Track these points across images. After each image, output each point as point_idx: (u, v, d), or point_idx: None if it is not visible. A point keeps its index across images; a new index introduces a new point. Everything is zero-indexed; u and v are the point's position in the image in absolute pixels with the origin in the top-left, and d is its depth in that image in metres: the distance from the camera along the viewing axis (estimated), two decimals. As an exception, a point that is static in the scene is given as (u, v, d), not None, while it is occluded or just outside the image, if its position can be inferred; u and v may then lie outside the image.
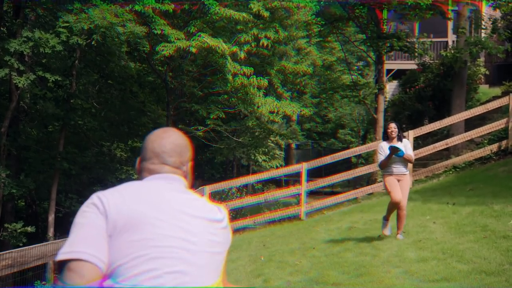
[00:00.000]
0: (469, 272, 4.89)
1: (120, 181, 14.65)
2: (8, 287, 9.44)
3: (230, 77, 13.86)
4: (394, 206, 6.57)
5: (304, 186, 11.43)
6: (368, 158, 20.43)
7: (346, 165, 22.81)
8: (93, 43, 13.48)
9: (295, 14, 18.16)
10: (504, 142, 11.43)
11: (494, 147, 11.52)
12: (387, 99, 17.78)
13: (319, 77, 25.30)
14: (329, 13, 15.41)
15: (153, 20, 13.22)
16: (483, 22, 14.04)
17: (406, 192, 6.66)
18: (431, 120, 14.04)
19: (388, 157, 6.52)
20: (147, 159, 1.62)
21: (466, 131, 12.21)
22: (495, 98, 13.54)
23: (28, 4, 14.73)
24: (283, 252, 7.49)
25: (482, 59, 16.72)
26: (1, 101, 16.41)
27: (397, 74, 17.84)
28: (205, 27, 13.92)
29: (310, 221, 10.60)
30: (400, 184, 6.61)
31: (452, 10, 14.06)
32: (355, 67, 25.62)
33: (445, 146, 11.96)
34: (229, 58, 13.54)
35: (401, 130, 7.06)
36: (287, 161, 25.36)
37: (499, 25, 13.93)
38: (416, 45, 14.69)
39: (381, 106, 14.37)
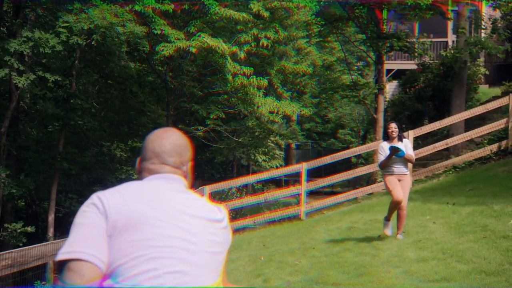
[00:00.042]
0: (469, 272, 4.89)
1: (120, 181, 14.65)
2: (8, 287, 9.44)
3: (230, 77, 13.86)
4: (395, 205, 6.55)
5: (304, 186, 11.43)
6: (368, 158, 20.43)
7: (346, 165, 22.81)
8: (93, 43, 13.48)
9: (295, 14, 18.15)
10: (504, 142, 11.43)
11: (494, 147, 11.52)
12: (387, 99, 17.78)
13: (319, 77, 25.30)
14: (329, 13, 15.41)
15: (153, 20, 13.22)
16: (483, 22, 14.04)
17: (406, 192, 6.66)
18: (431, 120, 14.04)
19: (388, 158, 6.52)
20: (147, 159, 1.62)
21: (466, 131, 12.21)
22: (495, 98, 13.54)
23: (28, 4, 14.73)
24: (283, 252, 7.49)
25: (482, 59, 16.72)
26: (1, 101, 16.41)
27: (397, 74, 17.84)
28: (205, 27, 13.93)
29: (310, 221, 10.60)
30: (401, 184, 6.61)
31: (452, 10, 14.06)
32: (355, 67, 25.61)
33: (445, 146, 11.96)
34: (229, 58, 13.54)
35: (401, 130, 7.06)
36: (287, 161, 25.37)
37: (499, 25, 13.93)
38: (416, 45, 14.69)
39: (381, 106, 14.37)
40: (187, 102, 16.07)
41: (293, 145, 28.89)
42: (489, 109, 11.96)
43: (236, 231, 10.80)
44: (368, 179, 14.12)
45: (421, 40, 15.10)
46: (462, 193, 9.22)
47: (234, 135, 16.87)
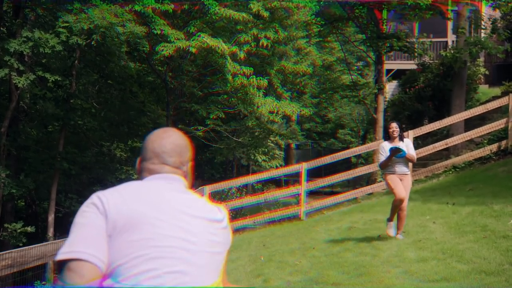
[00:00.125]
0: (469, 272, 4.89)
1: (120, 181, 14.64)
2: (8, 287, 9.44)
3: (230, 77, 13.86)
4: (398, 204, 6.53)
5: (303, 186, 11.43)
6: (368, 158, 20.45)
7: (346, 165, 22.82)
8: (93, 43, 13.48)
9: (295, 14, 18.16)
10: (503, 142, 11.43)
11: (493, 147, 11.51)
12: (387, 99, 17.79)
13: (318, 77, 25.30)
14: (329, 13, 15.42)
15: (153, 20, 13.22)
16: (482, 22, 14.04)
17: (407, 192, 6.66)
18: (431, 120, 14.04)
19: (389, 158, 6.51)
20: (147, 159, 1.62)
21: (466, 131, 12.21)
22: (494, 98, 13.54)
23: (28, 4, 14.73)
24: (283, 252, 7.49)
25: (481, 59, 16.72)
26: (1, 101, 16.41)
27: (397, 74, 17.84)
28: (205, 27, 13.93)
29: (310, 221, 10.60)
30: (402, 183, 6.61)
31: (452, 10, 14.07)
32: (355, 67, 25.61)
33: (445, 146, 11.96)
34: (229, 58, 13.54)
35: (402, 130, 7.06)
36: (287, 161, 25.38)
37: (499, 25, 13.93)
38: (416, 45, 14.69)
39: (381, 106, 14.37)
40: (187, 102, 16.07)
41: (293, 145, 28.89)
42: (489, 109, 11.97)
43: (236, 231, 10.80)
44: (368, 179, 14.12)
45: (421, 40, 15.11)
46: (462, 193, 9.22)
47: (234, 135, 16.87)
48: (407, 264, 5.57)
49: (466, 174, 11.10)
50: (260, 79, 14.44)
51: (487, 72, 16.78)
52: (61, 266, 1.36)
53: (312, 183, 12.01)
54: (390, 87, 18.45)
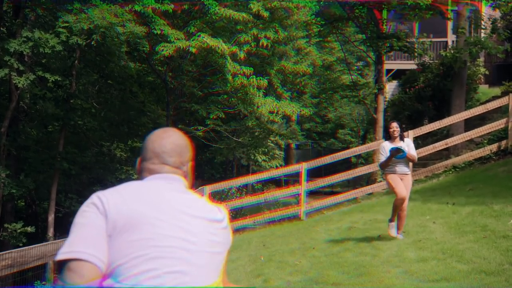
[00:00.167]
0: (469, 272, 4.89)
1: (120, 181, 14.65)
2: (8, 287, 9.44)
3: (230, 77, 13.86)
4: (399, 204, 6.52)
5: (303, 186, 11.43)
6: (368, 158, 20.45)
7: (346, 165, 22.81)
8: (92, 43, 13.48)
9: (295, 14, 18.16)
10: (503, 142, 11.43)
11: (493, 147, 11.51)
12: (387, 99, 17.79)
13: (318, 77, 25.30)
14: (329, 13, 15.42)
15: (153, 20, 13.22)
16: (482, 22, 14.04)
17: (408, 191, 6.65)
18: (431, 120, 14.03)
19: (389, 159, 6.51)
20: (148, 159, 1.62)
21: (466, 131, 12.21)
22: (494, 98, 13.54)
23: (28, 4, 14.73)
24: (283, 252, 7.49)
25: (481, 59, 16.71)
26: (1, 101, 16.41)
27: (397, 74, 17.84)
28: (205, 27, 13.93)
29: (310, 221, 10.60)
30: (402, 183, 6.61)
31: (451, 10, 14.06)
32: (355, 67, 25.60)
33: (445, 146, 11.96)
34: (228, 58, 13.54)
35: (402, 129, 7.05)
36: (287, 161, 25.37)
37: (499, 25, 13.93)
38: (416, 45, 14.69)
39: (381, 106, 14.37)
40: (187, 102, 16.07)
41: (293, 145, 28.89)
42: (489, 109, 11.96)
43: (236, 231, 10.80)
44: (368, 179, 14.12)
45: (421, 40, 15.10)
46: (462, 193, 9.22)
47: (234, 135, 16.87)
48: (407, 264, 5.57)
49: (466, 174, 11.10)
50: (260, 79, 14.44)
51: (487, 72, 16.78)
52: (61, 266, 1.36)
53: (312, 183, 12.01)
54: (390, 87, 18.45)
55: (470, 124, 12.77)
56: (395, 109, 16.95)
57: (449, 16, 14.21)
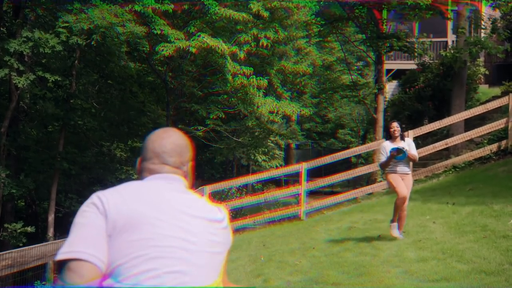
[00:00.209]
0: (469, 272, 4.89)
1: (120, 181, 14.65)
2: (8, 287, 9.44)
3: (230, 77, 13.86)
4: (400, 203, 6.52)
5: (303, 186, 11.43)
6: (368, 158, 20.45)
7: (346, 165, 22.80)
8: (92, 43, 13.49)
9: (295, 14, 18.15)
10: (503, 142, 11.43)
11: (493, 147, 11.51)
12: (387, 99, 17.79)
13: (318, 77, 25.30)
14: (329, 13, 15.42)
15: (153, 20, 13.22)
16: (482, 22, 14.04)
17: (408, 191, 6.66)
18: (431, 120, 14.03)
19: (389, 160, 6.51)
20: (148, 159, 1.62)
21: (465, 131, 12.20)
22: (494, 98, 13.54)
23: (28, 4, 14.74)
24: (283, 252, 7.49)
25: (481, 59, 16.71)
26: (1, 101, 16.42)
27: (397, 74, 17.84)
28: (205, 27, 13.93)
29: (310, 221, 10.60)
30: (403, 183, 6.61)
31: (451, 10, 14.06)
32: (355, 67, 25.60)
33: (445, 146, 11.95)
34: (228, 58, 13.54)
35: (403, 129, 7.05)
36: (287, 161, 25.36)
37: (499, 25, 13.93)
38: (416, 45, 14.68)
39: (381, 106, 14.37)
40: (187, 102, 16.07)
41: (293, 145, 28.88)
42: (489, 109, 11.96)
43: (236, 231, 10.79)
44: (368, 179, 14.12)
45: (421, 40, 15.10)
46: (462, 193, 9.22)
47: (234, 135, 16.87)
48: (407, 264, 5.57)
49: (466, 174, 11.10)
50: (260, 79, 14.44)
51: (487, 72, 16.78)
52: (61, 266, 1.36)
53: (312, 183, 12.00)
54: (390, 87, 18.45)
55: (470, 124, 12.77)
56: (395, 109, 16.95)
57: (449, 16, 14.20)
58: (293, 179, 19.00)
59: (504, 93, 13.61)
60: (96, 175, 18.26)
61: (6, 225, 14.15)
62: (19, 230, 13.90)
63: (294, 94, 24.16)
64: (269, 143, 20.50)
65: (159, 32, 13.24)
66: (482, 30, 14.42)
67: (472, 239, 6.06)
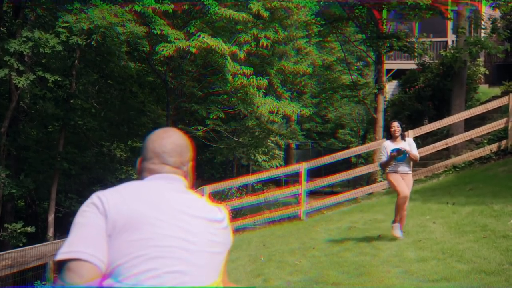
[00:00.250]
0: (469, 272, 4.89)
1: (120, 181, 14.64)
2: (8, 287, 9.44)
3: (230, 77, 13.86)
4: (402, 203, 6.52)
5: (303, 186, 11.43)
6: (368, 158, 20.45)
7: (346, 165, 22.80)
8: (92, 43, 13.49)
9: (295, 14, 18.16)
10: (503, 142, 11.42)
11: (493, 147, 11.51)
12: (387, 99, 17.79)
13: (318, 77, 25.31)
14: (329, 13, 15.42)
15: (153, 20, 13.23)
16: (482, 22, 14.04)
17: (409, 191, 6.65)
18: (431, 120, 14.03)
19: (389, 160, 6.50)
20: (148, 159, 1.62)
21: (465, 131, 12.20)
22: (494, 98, 13.54)
23: (28, 4, 14.74)
24: (283, 252, 7.49)
25: (481, 59, 16.71)
26: (1, 101, 16.42)
27: (397, 74, 17.84)
28: (205, 27, 13.93)
29: (310, 221, 10.60)
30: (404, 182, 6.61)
31: (451, 10, 14.06)
32: (355, 67, 25.61)
33: (445, 146, 11.95)
34: (228, 58, 13.55)
35: (403, 129, 7.03)
36: (287, 161, 25.37)
37: (499, 25, 13.93)
38: (416, 45, 14.68)
39: (381, 106, 14.37)
40: (187, 102, 16.08)
41: (293, 145, 28.89)
42: (489, 109, 11.95)
43: (236, 231, 10.79)
44: (368, 179, 14.12)
45: (421, 40, 15.10)
46: (462, 193, 9.22)
47: (234, 135, 16.87)
48: (407, 264, 5.57)
49: (466, 174, 11.09)
50: (260, 79, 14.44)
51: (487, 72, 16.78)
52: (61, 266, 1.36)
53: (312, 183, 12.00)
54: (390, 87, 18.45)
55: (470, 124, 12.76)
56: (395, 109, 16.95)
57: (449, 16, 14.20)
58: (293, 179, 18.99)
59: (504, 93, 13.61)
60: (96, 175, 18.26)
61: (6, 225, 14.16)
62: (19, 230, 13.90)
63: (294, 94, 24.17)
64: (269, 143, 20.50)
65: (159, 32, 13.24)
66: (482, 30, 14.42)
67: (472, 239, 6.06)
